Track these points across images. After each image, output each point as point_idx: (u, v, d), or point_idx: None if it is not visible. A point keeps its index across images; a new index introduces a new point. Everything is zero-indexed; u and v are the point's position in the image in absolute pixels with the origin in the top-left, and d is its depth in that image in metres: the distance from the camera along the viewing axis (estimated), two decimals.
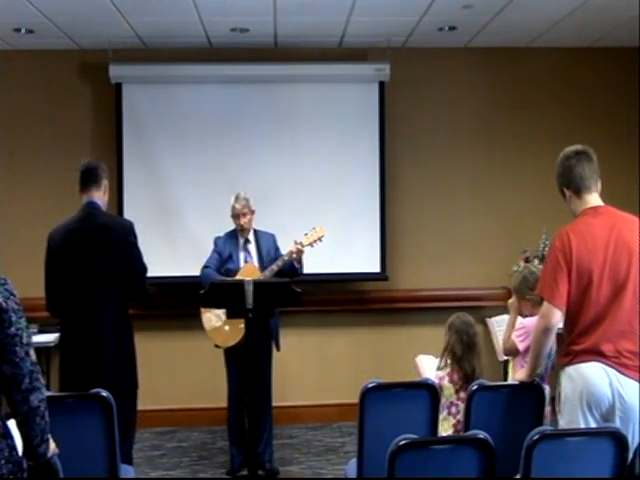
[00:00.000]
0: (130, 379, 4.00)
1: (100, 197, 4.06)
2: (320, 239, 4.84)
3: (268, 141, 5.97)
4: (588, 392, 3.08)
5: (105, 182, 4.09)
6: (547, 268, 3.22)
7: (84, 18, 5.22)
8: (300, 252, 4.77)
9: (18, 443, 2.30)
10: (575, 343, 3.16)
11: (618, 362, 3.09)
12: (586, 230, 3.16)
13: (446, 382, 3.69)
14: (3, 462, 2.21)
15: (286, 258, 4.77)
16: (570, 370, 3.16)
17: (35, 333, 5.47)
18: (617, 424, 3.00)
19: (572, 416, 3.11)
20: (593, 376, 3.09)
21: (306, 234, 4.85)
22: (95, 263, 3.92)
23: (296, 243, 4.79)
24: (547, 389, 3.50)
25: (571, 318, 3.19)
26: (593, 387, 3.08)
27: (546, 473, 2.64)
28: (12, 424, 2.30)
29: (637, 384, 3.08)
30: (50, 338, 5.50)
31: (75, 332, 3.92)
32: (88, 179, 4.04)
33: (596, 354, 3.10)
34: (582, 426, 3.05)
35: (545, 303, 3.17)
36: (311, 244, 4.82)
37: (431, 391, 3.38)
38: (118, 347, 3.93)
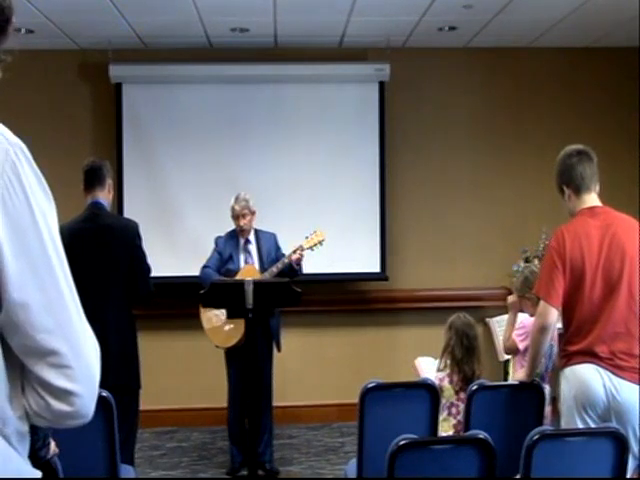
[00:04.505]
0: (133, 379, 4.01)
1: (105, 197, 4.07)
2: (321, 243, 4.82)
3: (268, 141, 5.96)
4: (582, 393, 3.10)
5: (109, 181, 4.10)
6: (544, 267, 3.25)
7: (84, 18, 5.22)
8: (301, 256, 4.77)
9: None
10: (570, 343, 3.18)
11: (612, 363, 3.10)
12: (581, 230, 3.17)
13: (446, 383, 3.69)
14: None
15: (286, 261, 4.75)
16: (567, 371, 3.19)
17: None
18: (615, 425, 3.00)
19: (570, 417, 3.13)
20: (587, 378, 3.10)
21: (307, 237, 4.84)
22: (100, 263, 3.92)
23: (296, 248, 4.78)
24: (547, 389, 3.50)
25: (566, 317, 3.22)
26: (587, 389, 3.09)
27: (546, 473, 2.64)
28: None
29: (632, 385, 3.08)
30: None
31: None
32: (92, 179, 4.03)
33: (590, 356, 3.12)
34: (580, 426, 3.06)
35: (541, 302, 3.18)
36: (311, 247, 4.81)
37: (431, 391, 3.38)
38: (122, 347, 3.93)
